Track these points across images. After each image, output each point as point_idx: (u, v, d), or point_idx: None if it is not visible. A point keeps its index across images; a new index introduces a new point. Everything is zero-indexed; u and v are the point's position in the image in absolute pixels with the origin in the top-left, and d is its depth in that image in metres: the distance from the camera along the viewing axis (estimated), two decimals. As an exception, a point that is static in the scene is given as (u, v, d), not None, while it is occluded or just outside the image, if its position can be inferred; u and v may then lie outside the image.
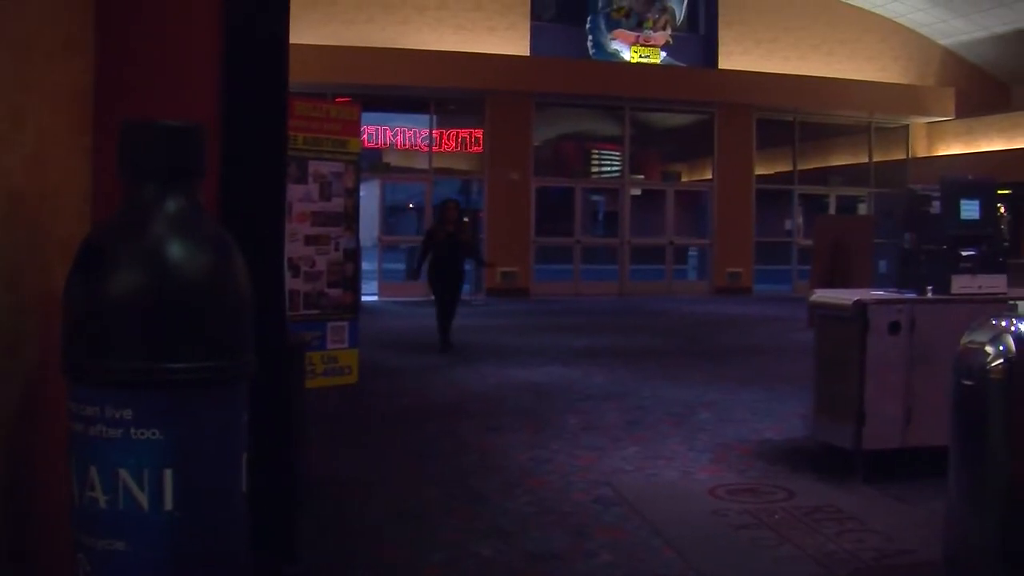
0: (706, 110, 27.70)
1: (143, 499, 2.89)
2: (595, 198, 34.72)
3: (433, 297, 15.12)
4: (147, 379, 2.88)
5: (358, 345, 10.77)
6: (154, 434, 2.88)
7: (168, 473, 2.90)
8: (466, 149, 26.44)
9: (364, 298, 16.66)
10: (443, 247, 14.64)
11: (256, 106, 4.49)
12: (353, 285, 10.77)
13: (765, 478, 7.28)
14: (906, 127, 29.90)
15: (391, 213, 30.01)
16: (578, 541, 5.79)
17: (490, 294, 24.84)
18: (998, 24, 27.43)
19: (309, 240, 10.13)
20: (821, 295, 7.99)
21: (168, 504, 2.91)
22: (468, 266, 17.75)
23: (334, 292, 10.36)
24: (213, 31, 4.29)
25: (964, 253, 7.37)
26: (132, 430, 2.88)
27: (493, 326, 18.40)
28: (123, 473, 2.89)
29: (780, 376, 11.87)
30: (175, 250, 2.97)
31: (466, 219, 16.65)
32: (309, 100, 11.09)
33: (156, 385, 2.89)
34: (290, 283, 9.43)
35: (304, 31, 20.90)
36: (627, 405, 10.09)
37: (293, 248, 9.66)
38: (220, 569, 3.05)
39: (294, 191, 9.67)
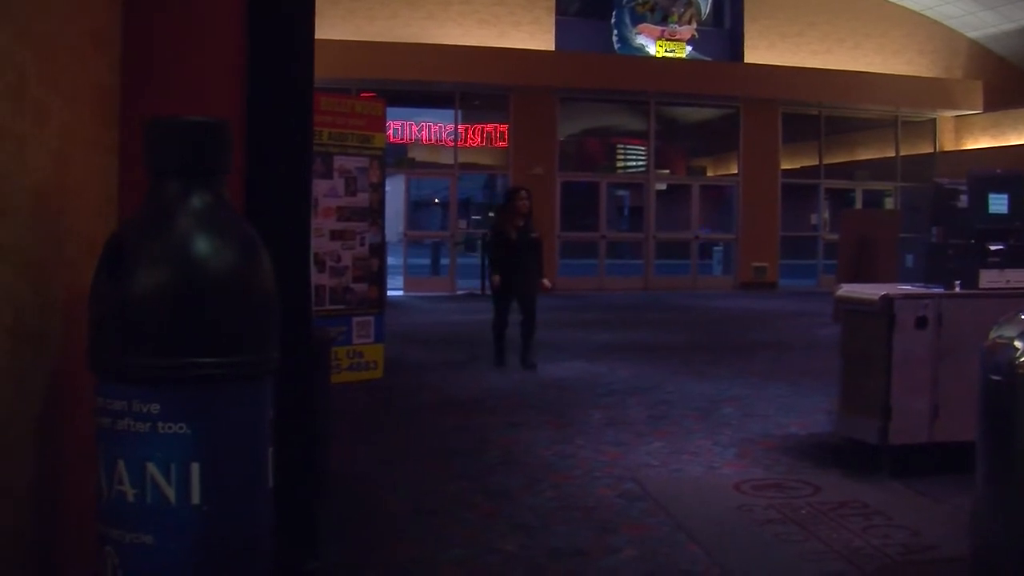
0: (731, 104, 27.64)
1: (171, 493, 2.91)
2: (620, 193, 34.74)
3: (496, 308, 12.64)
4: (174, 374, 2.89)
5: (383, 340, 10.81)
6: (181, 428, 2.90)
7: (195, 467, 2.91)
8: (491, 144, 26.45)
9: (389, 293, 16.69)
10: (515, 247, 12.24)
11: (281, 101, 4.49)
12: (378, 280, 10.82)
13: (790, 473, 7.25)
14: (933, 121, 29.76)
15: (416, 208, 30.10)
16: (602, 536, 5.78)
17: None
18: (1026, 16, 27.28)
19: (335, 235, 10.18)
20: (847, 290, 7.96)
21: (195, 498, 2.92)
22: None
23: (359, 287, 10.40)
24: (238, 27, 4.30)
25: (992, 247, 7.33)
26: (159, 424, 2.89)
27: (517, 321, 18.37)
28: (151, 467, 2.90)
29: (805, 371, 11.84)
30: (200, 246, 2.98)
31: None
32: (334, 95, 11.14)
33: (183, 380, 2.90)
34: (315, 278, 9.43)
35: (328, 27, 20.92)
36: (651, 400, 10.08)
37: (319, 243, 9.69)
38: (245, 563, 3.06)
39: (319, 186, 9.71)
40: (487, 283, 13.19)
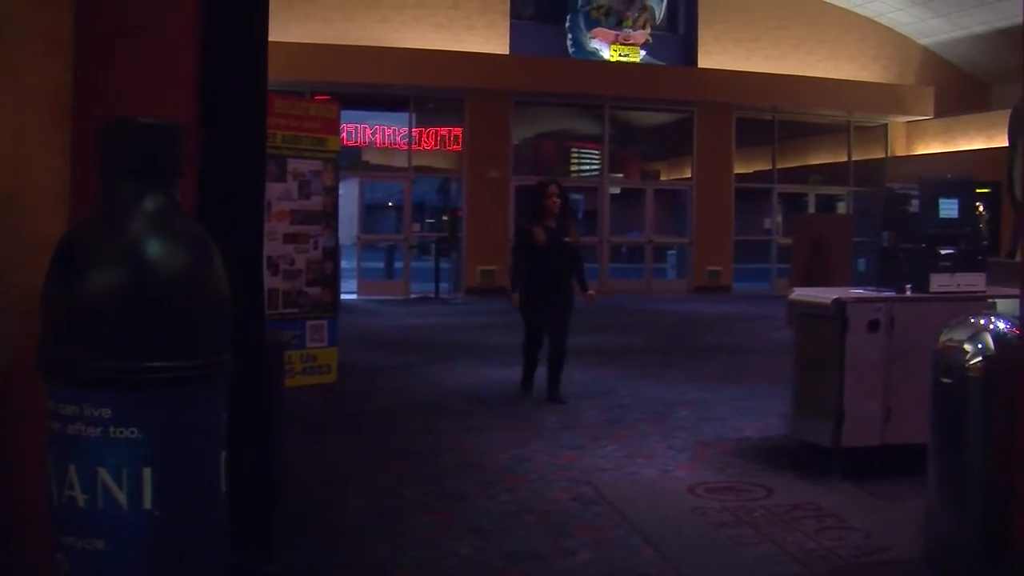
0: (685, 109, 27.73)
1: (122, 498, 2.87)
2: (574, 197, 34.73)
3: (527, 325, 10.53)
4: (125, 378, 2.86)
5: (337, 344, 10.77)
6: (133, 433, 2.87)
7: (147, 472, 2.88)
8: (445, 147, 26.41)
9: (343, 296, 16.64)
10: (544, 255, 10.14)
11: (235, 104, 4.47)
12: (332, 283, 10.78)
13: (744, 476, 7.29)
14: (885, 126, 29.99)
15: (370, 211, 30.01)
16: (557, 540, 5.78)
17: (469, 293, 24.86)
18: (977, 24, 27.54)
19: (288, 238, 10.13)
20: (800, 293, 8.01)
21: (147, 503, 2.89)
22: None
23: (313, 290, 10.36)
24: (192, 29, 4.27)
25: (943, 252, 7.40)
26: (111, 429, 2.86)
27: (473, 324, 18.39)
28: (102, 472, 2.87)
29: (759, 374, 11.90)
30: (153, 248, 2.95)
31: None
32: (288, 98, 11.08)
33: (134, 384, 2.87)
34: (269, 281, 9.42)
35: (283, 29, 20.84)
36: (607, 404, 10.10)
37: (272, 246, 9.65)
38: (199, 568, 3.03)
39: (273, 189, 9.67)
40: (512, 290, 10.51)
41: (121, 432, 2.86)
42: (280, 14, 19.39)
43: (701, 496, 6.70)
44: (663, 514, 6.32)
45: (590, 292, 10.55)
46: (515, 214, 26.06)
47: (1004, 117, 9.24)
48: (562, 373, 10.35)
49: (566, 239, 10.22)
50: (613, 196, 28.32)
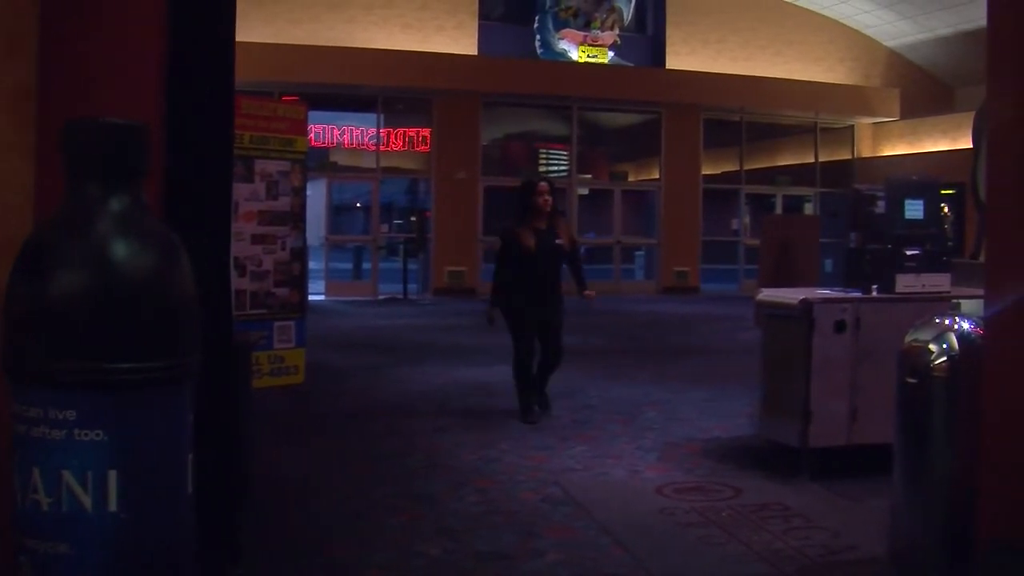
0: (653, 110, 27.79)
1: (87, 501, 2.86)
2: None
3: (515, 342, 9.44)
4: (90, 380, 2.84)
5: (305, 345, 10.73)
6: (98, 435, 2.85)
7: (112, 474, 2.87)
8: (413, 148, 26.38)
9: (311, 297, 16.58)
10: (533, 259, 9.26)
11: (201, 104, 4.45)
12: (300, 284, 10.74)
13: (712, 476, 7.31)
14: (852, 127, 30.14)
15: (338, 212, 29.93)
16: (527, 540, 5.79)
17: (437, 294, 24.84)
18: (942, 27, 27.72)
19: (256, 239, 10.09)
20: (767, 294, 8.03)
21: (112, 505, 2.87)
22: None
23: (281, 291, 10.33)
24: (158, 29, 4.25)
25: (908, 252, 7.44)
26: (75, 431, 2.84)
27: (440, 326, 18.37)
28: (66, 475, 2.85)
29: (727, 375, 11.93)
30: (118, 249, 2.94)
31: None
32: (255, 98, 11.04)
33: (99, 386, 2.85)
34: (236, 282, 9.38)
35: (250, 29, 20.78)
36: (575, 404, 10.10)
37: (240, 247, 9.61)
38: (165, 571, 3.02)
39: (240, 190, 9.63)
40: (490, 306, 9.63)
41: (86, 434, 2.84)
42: (248, 14, 19.31)
43: (669, 496, 6.71)
44: (632, 514, 6.32)
45: (588, 291, 9.75)
46: (484, 215, 26.07)
47: (968, 119, 9.34)
48: (549, 376, 9.64)
49: (558, 241, 9.36)
50: (581, 197, 28.36)
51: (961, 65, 28.12)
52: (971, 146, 8.47)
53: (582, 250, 10.98)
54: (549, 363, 9.52)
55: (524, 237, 9.28)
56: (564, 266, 9.64)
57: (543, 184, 9.49)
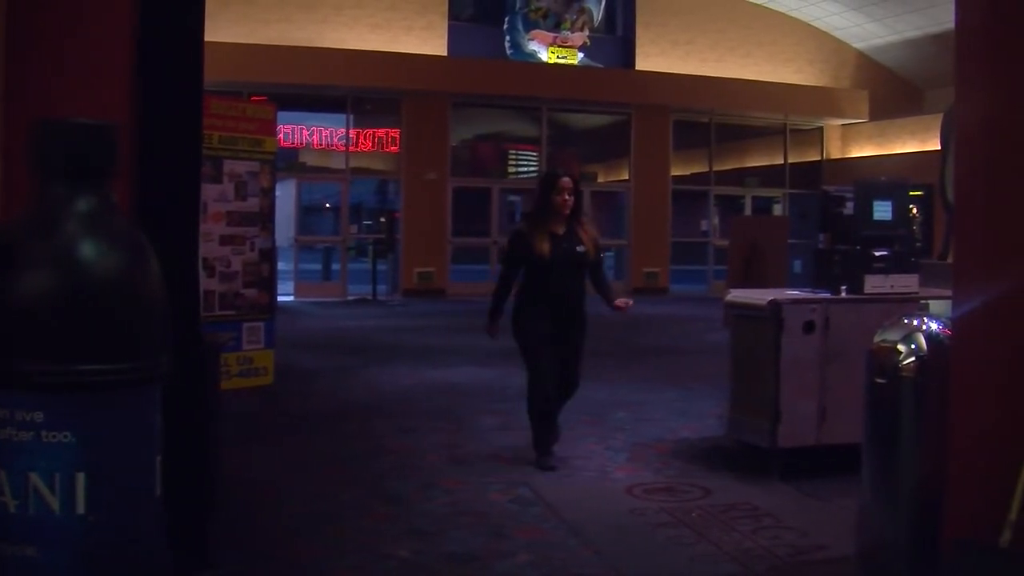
0: (623, 111, 27.82)
1: (54, 503, 2.84)
2: (512, 199, 34.77)
3: (530, 368, 7.79)
4: (58, 381, 2.82)
5: (274, 346, 10.71)
6: (66, 437, 2.83)
7: (80, 476, 2.85)
8: (383, 149, 26.33)
9: (280, 298, 16.52)
10: (551, 268, 7.67)
11: (170, 104, 4.44)
12: (269, 285, 10.72)
13: (682, 477, 7.32)
14: (821, 129, 30.25)
15: (307, 213, 29.86)
16: (496, 541, 5.78)
17: (406, 294, 24.81)
18: (910, 29, 27.86)
19: (224, 240, 10.07)
20: (736, 295, 8.05)
21: (80, 508, 2.86)
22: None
23: (250, 292, 10.30)
24: (127, 28, 4.23)
25: (877, 253, 7.47)
26: (43, 433, 2.83)
27: (410, 327, 18.34)
28: (34, 477, 2.84)
29: (696, 375, 11.95)
30: (86, 250, 2.92)
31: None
32: (224, 99, 11.01)
33: (67, 387, 2.83)
34: (205, 283, 9.35)
35: (220, 29, 20.68)
36: (545, 405, 10.09)
37: (208, 248, 9.59)
38: (133, 573, 3.00)
39: (209, 190, 9.61)
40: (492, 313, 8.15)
41: (54, 436, 2.83)
42: (217, 14, 19.23)
43: (639, 497, 6.72)
44: (601, 515, 6.33)
45: (620, 301, 8.22)
46: (453, 216, 26.04)
47: (937, 121, 9.41)
48: (563, 404, 7.98)
49: (579, 249, 7.72)
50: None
51: (930, 67, 28.28)
52: (939, 148, 8.52)
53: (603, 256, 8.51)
54: (561, 395, 7.86)
55: (537, 242, 7.64)
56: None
57: (565, 179, 7.71)
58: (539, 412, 7.68)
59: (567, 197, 7.65)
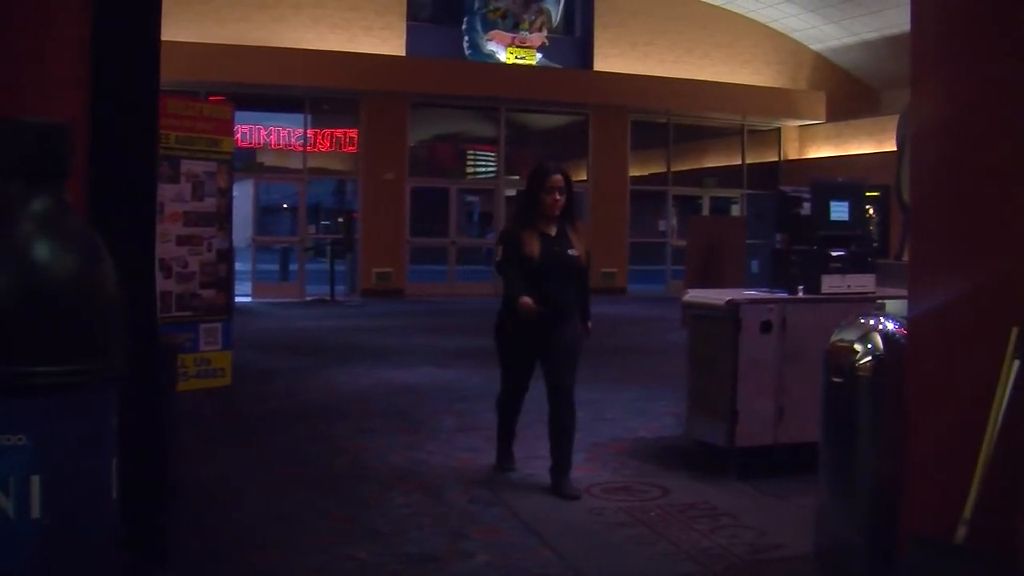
0: (581, 111, 27.87)
1: (8, 507, 2.81)
2: (470, 199, 34.80)
3: (505, 373, 7.38)
4: (11, 383, 2.79)
5: (231, 347, 10.65)
6: (20, 440, 2.80)
7: (35, 480, 2.82)
8: (341, 149, 26.26)
9: (237, 299, 16.46)
10: (540, 271, 6.94)
11: (126, 104, 4.40)
12: (226, 286, 10.67)
13: (640, 476, 7.34)
14: (778, 130, 30.42)
15: (265, 213, 29.73)
16: (455, 542, 5.78)
17: (365, 295, 24.75)
18: (867, 31, 28.06)
19: (181, 240, 10.01)
20: (694, 295, 8.08)
21: (35, 512, 2.83)
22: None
23: (207, 293, 10.24)
24: (82, 27, 4.19)
25: (834, 253, 7.52)
26: (-4, 436, 2.80)
27: (368, 327, 18.30)
28: (-13, 480, 2.81)
29: (654, 375, 11.99)
30: (40, 250, 2.89)
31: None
32: (182, 98, 10.93)
33: (21, 390, 2.80)
34: (162, 284, 9.29)
35: (177, 28, 20.57)
36: (504, 405, 10.09)
37: (165, 248, 9.53)
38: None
39: (166, 191, 9.54)
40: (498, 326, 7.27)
41: (8, 439, 2.80)
42: (174, 13, 19.11)
43: (598, 496, 6.73)
44: (560, 515, 6.33)
45: (587, 324, 7.41)
46: (411, 216, 26.00)
47: (893, 122, 9.48)
48: (570, 442, 7.02)
49: (571, 252, 7.07)
50: (509, 198, 28.36)
51: (886, 69, 28.48)
52: (895, 149, 8.58)
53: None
54: (561, 422, 6.98)
55: (526, 241, 6.98)
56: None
57: (556, 176, 7.01)
58: (503, 412, 7.52)
59: (557, 197, 6.98)
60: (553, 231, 7.02)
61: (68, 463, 2.89)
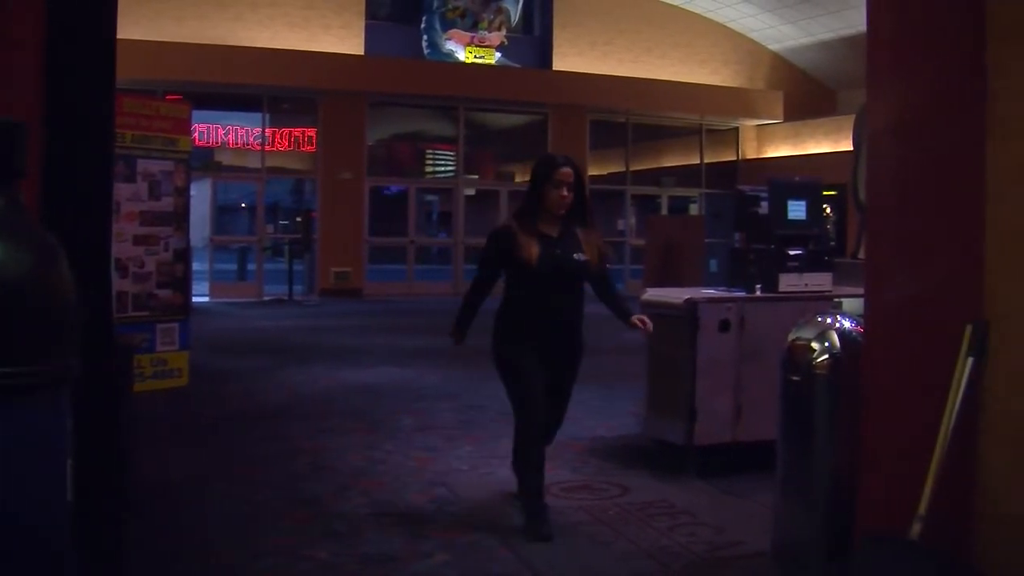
0: (540, 111, 27.89)
1: (-39, 510, 2.79)
2: (429, 198, 34.74)
3: (511, 395, 6.28)
4: (-36, 385, 2.77)
5: (188, 347, 10.60)
6: (-28, 442, 2.78)
7: (-12, 482, 2.80)
8: (299, 148, 26.16)
9: (195, 299, 16.36)
10: (537, 275, 6.07)
11: (81, 103, 4.37)
12: (183, 286, 10.61)
13: (599, 475, 7.35)
14: (736, 129, 30.56)
15: (222, 213, 29.57)
16: (414, 542, 5.77)
17: (323, 294, 24.67)
18: (824, 31, 28.24)
19: (138, 240, 9.95)
20: (653, 294, 8.09)
21: (-12, 514, 2.80)
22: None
23: (164, 293, 10.18)
24: (36, 24, 4.16)
25: (791, 252, 7.55)
26: (-51, 438, 2.77)
27: (326, 327, 18.24)
28: (-61, 483, 2.78)
29: (613, 374, 12.00)
30: (-6, 250, 2.87)
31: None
32: (138, 97, 10.87)
33: (-26, 391, 2.78)
34: (118, 284, 9.24)
35: (133, 26, 20.45)
36: (461, 405, 10.10)
37: (121, 248, 9.47)
38: (44, 580, 2.95)
39: (122, 190, 9.48)
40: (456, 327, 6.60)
41: (-40, 441, 2.77)
42: (131, 10, 19.01)
43: (557, 495, 6.73)
44: (519, 514, 6.33)
45: (635, 319, 6.66)
46: (369, 215, 25.95)
47: (849, 122, 9.51)
48: (547, 443, 6.39)
49: (577, 257, 6.26)
50: (468, 197, 28.36)
51: (842, 69, 28.67)
52: (852, 148, 8.63)
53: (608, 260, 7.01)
54: (547, 429, 6.39)
55: (523, 243, 6.07)
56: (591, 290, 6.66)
57: (565, 169, 6.14)
58: (523, 455, 6.17)
59: (564, 193, 6.10)
60: (556, 232, 6.18)
61: (22, 466, 2.86)
